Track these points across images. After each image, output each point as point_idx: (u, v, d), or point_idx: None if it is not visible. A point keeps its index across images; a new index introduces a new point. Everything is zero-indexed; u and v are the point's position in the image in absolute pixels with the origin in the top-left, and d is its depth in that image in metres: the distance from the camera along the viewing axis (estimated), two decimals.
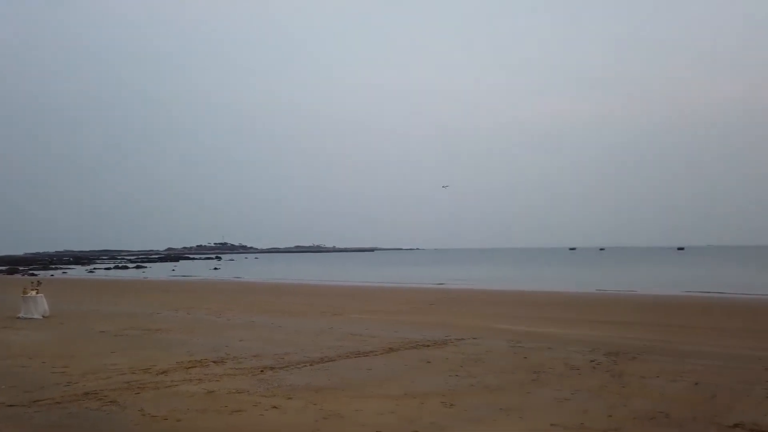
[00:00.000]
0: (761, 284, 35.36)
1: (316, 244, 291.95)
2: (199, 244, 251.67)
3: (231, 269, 77.92)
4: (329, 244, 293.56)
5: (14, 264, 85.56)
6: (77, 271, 73.11)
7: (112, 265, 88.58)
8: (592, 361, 10.09)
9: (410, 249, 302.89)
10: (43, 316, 17.03)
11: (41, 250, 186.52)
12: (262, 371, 9.29)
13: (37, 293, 17.52)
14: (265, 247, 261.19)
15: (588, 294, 29.98)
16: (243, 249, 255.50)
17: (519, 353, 10.99)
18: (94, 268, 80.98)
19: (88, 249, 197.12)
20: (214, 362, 10.03)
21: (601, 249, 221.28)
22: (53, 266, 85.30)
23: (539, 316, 18.73)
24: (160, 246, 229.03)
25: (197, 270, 73.76)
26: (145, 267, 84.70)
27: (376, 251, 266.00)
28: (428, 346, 11.87)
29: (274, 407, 7.07)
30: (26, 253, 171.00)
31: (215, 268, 78.71)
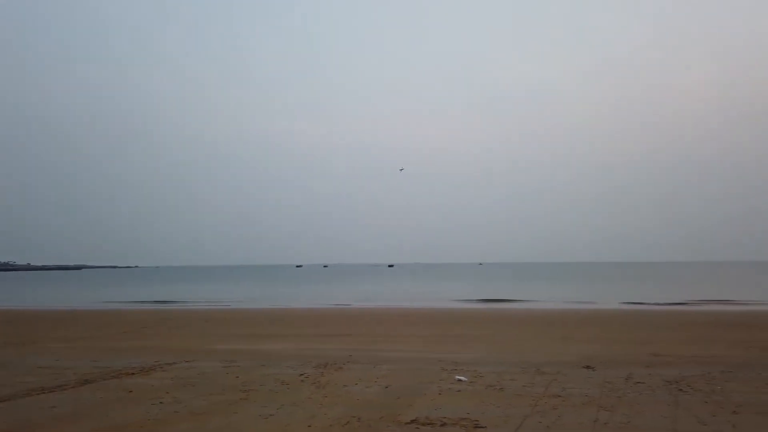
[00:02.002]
0: (446, 296, 42.09)
1: (2, 261, 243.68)
2: None
3: None
4: (22, 261, 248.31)
5: None
6: None
7: None
8: (301, 374, 10.54)
9: (127, 267, 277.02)
10: None
11: None
12: None
13: None
14: None
15: (306, 309, 31.41)
16: None
17: (232, 373, 10.85)
18: None
19: None
20: None
21: (325, 266, 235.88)
22: None
23: (259, 333, 18.86)
24: None
25: None
26: None
27: (84, 269, 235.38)
28: (132, 374, 10.87)
29: None
30: None
31: None
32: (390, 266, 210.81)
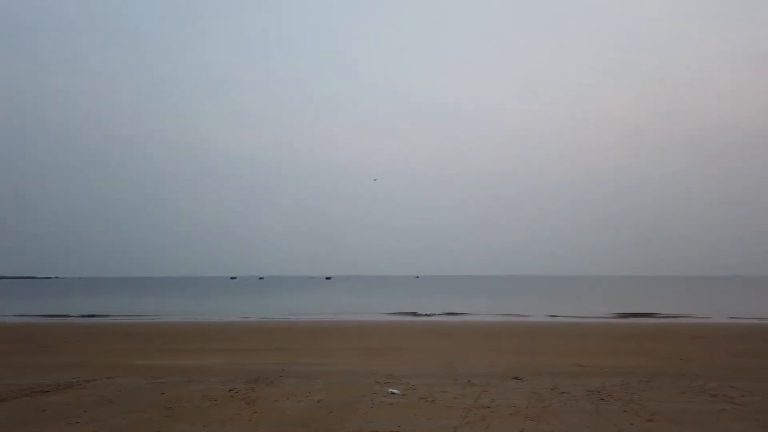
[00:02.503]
0: (382, 309, 42.20)
1: None
2: None
3: None
4: None
5: None
6: None
7: None
8: (231, 390, 10.23)
9: (47, 278, 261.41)
10: None
11: None
12: None
13: None
14: None
15: (238, 322, 30.62)
16: None
17: (156, 389, 10.40)
18: None
19: None
20: None
21: (261, 278, 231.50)
22: None
23: (186, 348, 18.18)
24: None
25: None
26: None
27: None
28: (47, 391, 10.21)
29: None
30: None
31: None
32: (327, 278, 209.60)
